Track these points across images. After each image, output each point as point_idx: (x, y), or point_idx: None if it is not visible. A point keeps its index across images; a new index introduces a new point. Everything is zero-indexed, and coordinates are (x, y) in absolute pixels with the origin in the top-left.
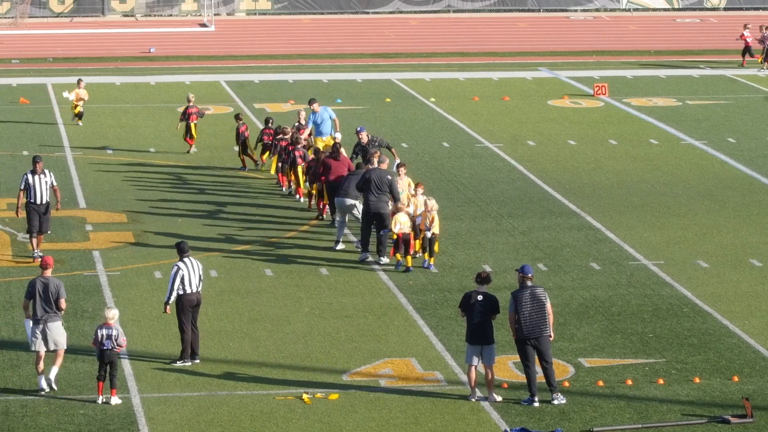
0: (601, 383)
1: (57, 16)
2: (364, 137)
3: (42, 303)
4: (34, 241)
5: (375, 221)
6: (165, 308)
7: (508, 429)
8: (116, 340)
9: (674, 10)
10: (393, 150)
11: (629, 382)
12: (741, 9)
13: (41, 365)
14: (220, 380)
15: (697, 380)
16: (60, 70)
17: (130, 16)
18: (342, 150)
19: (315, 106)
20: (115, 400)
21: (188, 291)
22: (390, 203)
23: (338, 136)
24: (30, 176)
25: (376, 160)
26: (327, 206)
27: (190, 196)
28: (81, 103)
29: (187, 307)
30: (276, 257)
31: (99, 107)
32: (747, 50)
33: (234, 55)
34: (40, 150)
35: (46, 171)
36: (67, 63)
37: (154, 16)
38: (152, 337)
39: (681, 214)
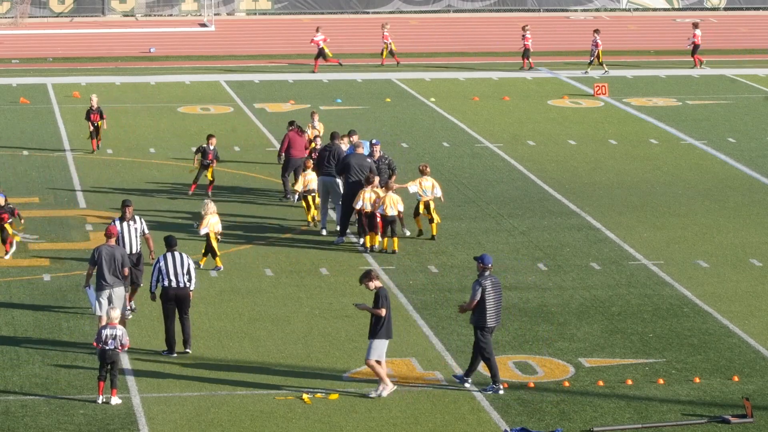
0: (601, 383)
1: (57, 16)
2: (377, 152)
3: (109, 270)
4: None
5: (350, 203)
6: (152, 297)
7: (508, 429)
8: (120, 341)
9: (674, 10)
10: (395, 176)
11: (629, 382)
12: (741, 9)
13: None
14: (220, 380)
15: (697, 380)
16: (60, 70)
17: (130, 16)
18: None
19: (354, 138)
20: (115, 400)
21: (166, 284)
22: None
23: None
24: (118, 223)
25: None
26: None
27: (190, 196)
28: (318, 138)
29: (167, 300)
30: (276, 257)
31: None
32: (526, 53)
33: (234, 55)
34: (40, 150)
35: (137, 217)
36: (67, 63)
37: (154, 16)
38: (152, 337)
39: (681, 214)
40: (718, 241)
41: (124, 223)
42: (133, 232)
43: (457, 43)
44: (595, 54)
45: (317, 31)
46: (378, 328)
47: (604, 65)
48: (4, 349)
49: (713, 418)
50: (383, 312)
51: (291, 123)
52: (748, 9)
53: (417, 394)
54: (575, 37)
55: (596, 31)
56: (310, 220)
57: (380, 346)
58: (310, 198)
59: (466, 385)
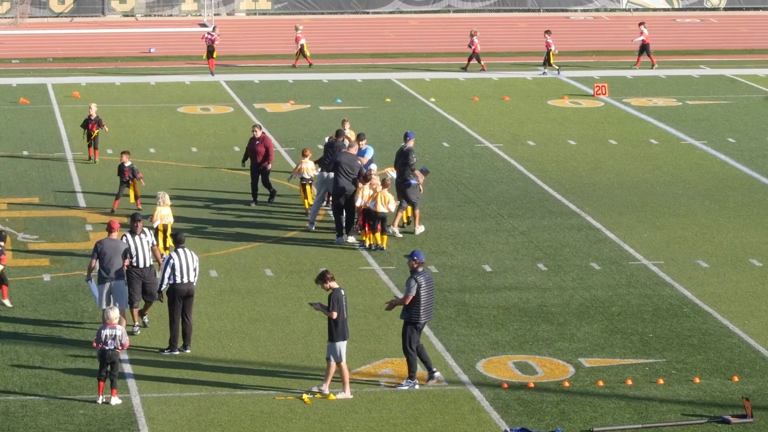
0: (601, 383)
1: (57, 16)
2: (410, 143)
3: (110, 263)
4: (135, 311)
5: (345, 202)
6: (159, 296)
7: (508, 429)
8: (120, 341)
9: (674, 10)
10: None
11: (629, 382)
12: (741, 9)
13: None
14: (220, 380)
15: (697, 380)
16: (60, 70)
17: (130, 16)
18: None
19: (362, 143)
20: (115, 400)
21: (178, 281)
22: (365, 184)
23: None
24: (130, 237)
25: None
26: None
27: (189, 197)
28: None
29: (176, 297)
30: (276, 257)
31: (99, 107)
32: (474, 56)
33: (234, 55)
34: (41, 150)
35: (146, 230)
36: (67, 63)
37: (154, 16)
38: (152, 337)
39: (681, 214)
40: (718, 241)
41: (135, 237)
42: (146, 245)
43: (457, 43)
44: (547, 54)
45: (213, 30)
46: (333, 330)
47: (553, 65)
48: (4, 349)
49: (713, 418)
50: (334, 315)
51: (257, 127)
52: (748, 9)
53: (417, 394)
54: (575, 37)
55: (547, 32)
56: (307, 207)
57: (340, 347)
58: (308, 186)
59: (436, 374)
